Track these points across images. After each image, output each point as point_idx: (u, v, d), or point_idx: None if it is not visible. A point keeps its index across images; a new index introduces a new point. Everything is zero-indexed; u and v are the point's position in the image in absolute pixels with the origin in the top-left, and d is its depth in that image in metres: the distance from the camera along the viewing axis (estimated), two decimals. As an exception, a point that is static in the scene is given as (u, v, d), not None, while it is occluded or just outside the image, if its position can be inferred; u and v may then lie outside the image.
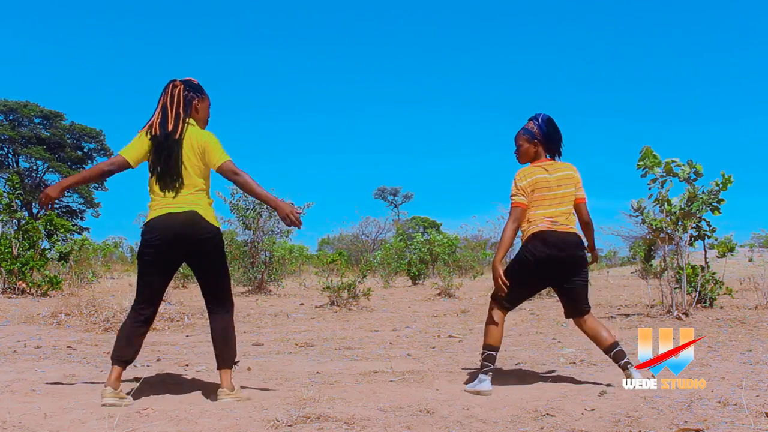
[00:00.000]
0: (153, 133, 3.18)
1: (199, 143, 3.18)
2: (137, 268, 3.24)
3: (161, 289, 3.26)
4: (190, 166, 3.18)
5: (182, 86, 3.27)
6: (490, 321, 3.55)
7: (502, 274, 3.47)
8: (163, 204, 3.16)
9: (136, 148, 3.21)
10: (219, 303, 3.28)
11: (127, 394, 3.16)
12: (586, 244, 3.64)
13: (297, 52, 66.07)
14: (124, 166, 3.21)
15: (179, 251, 3.17)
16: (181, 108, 3.23)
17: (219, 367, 3.23)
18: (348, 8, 69.60)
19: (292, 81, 66.68)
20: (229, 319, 3.30)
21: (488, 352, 3.47)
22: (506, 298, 3.56)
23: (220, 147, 3.19)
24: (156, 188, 3.18)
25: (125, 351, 3.14)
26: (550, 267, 3.45)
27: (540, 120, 3.58)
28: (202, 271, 3.26)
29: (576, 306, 3.54)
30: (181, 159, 3.16)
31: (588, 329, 3.52)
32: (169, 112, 3.20)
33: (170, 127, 3.17)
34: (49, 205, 3.27)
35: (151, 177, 3.21)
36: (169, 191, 3.16)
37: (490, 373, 3.42)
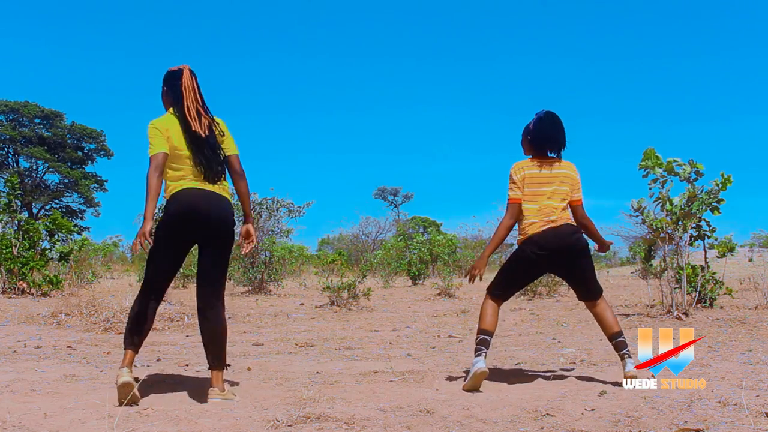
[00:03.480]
0: (199, 133, 3.21)
1: (220, 129, 3.32)
2: (150, 248, 3.18)
3: (173, 270, 3.28)
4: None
5: (195, 75, 3.35)
6: (485, 308, 3.63)
7: (481, 268, 3.61)
8: (198, 184, 3.21)
9: (162, 139, 3.20)
10: (216, 297, 3.25)
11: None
12: (584, 235, 3.66)
13: (297, 52, 66.09)
14: (166, 159, 3.24)
15: (204, 231, 3.18)
16: (202, 97, 3.34)
17: (211, 368, 3.21)
18: (348, 8, 69.63)
19: (292, 81, 66.69)
20: (221, 317, 3.25)
21: (482, 336, 3.54)
22: (500, 291, 3.66)
23: (232, 136, 3.39)
24: (195, 174, 3.21)
25: (135, 335, 3.17)
26: (549, 260, 3.55)
27: (536, 116, 3.67)
28: (214, 260, 3.24)
29: (587, 289, 3.61)
30: (221, 149, 3.28)
31: (597, 313, 3.60)
32: (205, 105, 3.31)
33: (214, 123, 3.29)
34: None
35: (190, 166, 3.20)
36: (211, 180, 3.22)
37: (484, 355, 3.46)
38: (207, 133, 3.24)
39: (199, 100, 3.30)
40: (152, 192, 3.07)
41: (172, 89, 3.30)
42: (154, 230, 3.21)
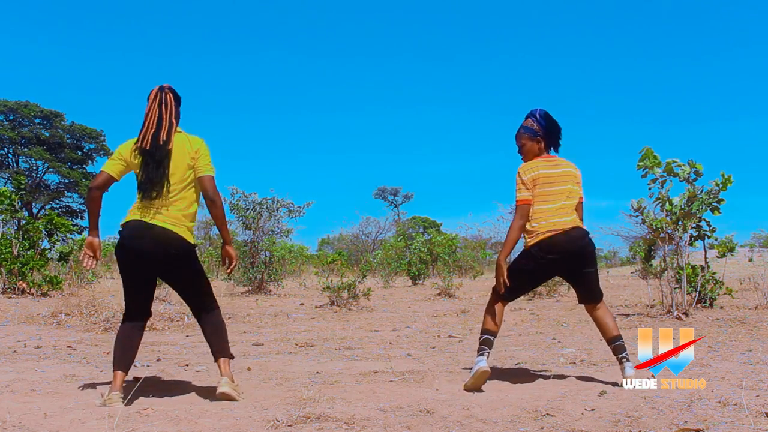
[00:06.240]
0: (144, 145, 3.13)
1: (193, 147, 3.19)
2: (121, 277, 3.23)
3: (147, 296, 3.25)
4: (176, 176, 3.15)
5: (171, 93, 3.25)
6: (489, 309, 3.62)
7: (505, 274, 3.54)
8: (141, 214, 3.13)
9: (117, 161, 3.18)
10: (205, 306, 3.31)
11: (127, 394, 3.16)
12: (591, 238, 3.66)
13: (297, 52, 66.07)
14: (111, 181, 3.19)
15: (152, 265, 3.15)
16: (173, 116, 3.21)
17: (217, 359, 3.26)
18: (347, 8, 69.62)
19: (291, 81, 66.63)
20: (217, 315, 3.33)
21: (485, 336, 3.54)
22: (507, 292, 3.63)
23: (210, 157, 3.23)
24: (138, 198, 3.16)
25: (124, 358, 3.15)
26: (556, 265, 3.54)
27: (538, 116, 3.64)
28: (181, 285, 3.28)
29: (589, 293, 3.61)
30: (168, 170, 3.13)
31: (597, 316, 3.59)
32: (164, 121, 3.17)
33: (164, 138, 3.14)
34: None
35: (138, 186, 3.16)
36: (150, 202, 3.13)
37: (486, 355, 3.47)
38: (151, 147, 3.13)
39: (164, 115, 3.18)
40: (88, 207, 3.16)
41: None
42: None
